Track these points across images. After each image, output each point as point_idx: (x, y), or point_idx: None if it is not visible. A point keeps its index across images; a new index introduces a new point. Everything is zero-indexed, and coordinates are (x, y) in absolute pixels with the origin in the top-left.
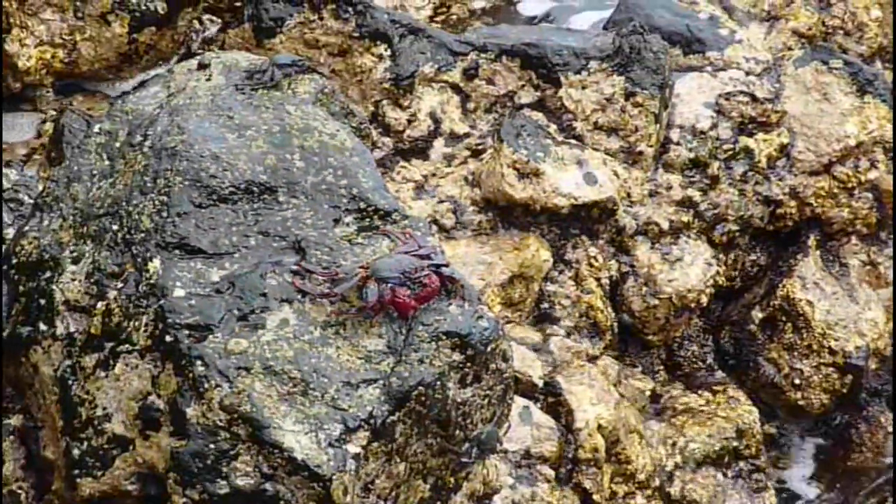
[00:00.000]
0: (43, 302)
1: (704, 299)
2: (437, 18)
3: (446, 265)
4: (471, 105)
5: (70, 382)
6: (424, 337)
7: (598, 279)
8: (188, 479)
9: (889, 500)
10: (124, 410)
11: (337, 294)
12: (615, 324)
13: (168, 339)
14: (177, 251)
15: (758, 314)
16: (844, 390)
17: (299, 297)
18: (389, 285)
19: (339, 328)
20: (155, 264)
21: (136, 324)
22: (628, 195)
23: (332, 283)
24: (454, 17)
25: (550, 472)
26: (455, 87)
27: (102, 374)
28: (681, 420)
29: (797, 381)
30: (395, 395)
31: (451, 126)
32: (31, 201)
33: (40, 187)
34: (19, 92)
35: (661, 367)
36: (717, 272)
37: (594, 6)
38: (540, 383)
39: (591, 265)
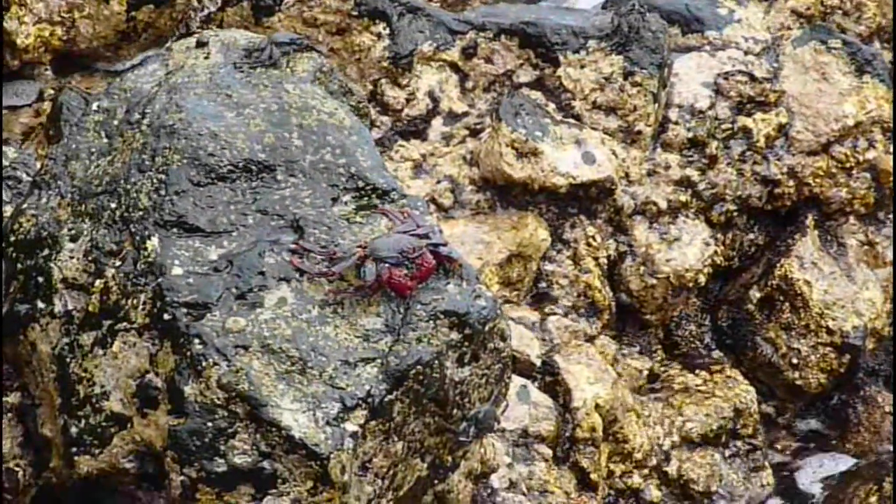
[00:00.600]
0: (41, 280)
1: (702, 279)
2: None
3: (444, 244)
4: (469, 84)
5: (68, 360)
6: (422, 316)
7: (596, 259)
8: (186, 457)
9: (885, 479)
10: (122, 388)
11: (335, 273)
12: (613, 303)
13: (166, 317)
14: (175, 229)
15: (755, 294)
16: (842, 370)
17: (297, 275)
18: (387, 265)
19: (337, 307)
20: (153, 242)
21: (134, 302)
22: (626, 175)
23: (330, 261)
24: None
25: (548, 451)
26: (453, 66)
27: (100, 351)
28: (678, 399)
29: (795, 361)
30: (392, 373)
31: (450, 105)
32: (30, 179)
33: (38, 165)
34: (18, 69)
35: (659, 347)
36: (715, 252)
37: None
38: (538, 362)
39: (589, 244)
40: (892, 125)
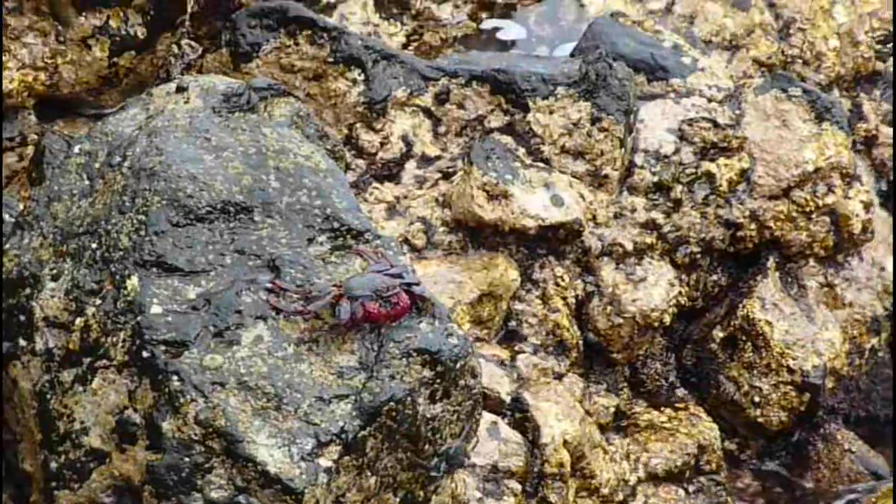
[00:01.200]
0: (23, 318)
1: (667, 318)
2: (410, 46)
3: (417, 283)
4: (442, 129)
5: (49, 397)
6: (395, 353)
7: (564, 298)
8: (163, 492)
9: None
10: (101, 424)
11: (311, 312)
12: (581, 342)
13: (145, 354)
14: (154, 269)
15: (718, 333)
16: (802, 408)
17: (273, 314)
18: (360, 302)
19: (312, 345)
20: (133, 282)
21: (114, 339)
22: (594, 217)
23: (305, 300)
24: (426, 45)
25: (517, 487)
26: (427, 112)
27: (80, 388)
28: (644, 436)
29: (756, 399)
30: (366, 410)
31: (423, 149)
32: (12, 220)
33: (21, 206)
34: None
35: (625, 385)
36: (680, 292)
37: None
38: (508, 399)
39: (557, 285)
40: (850, 169)
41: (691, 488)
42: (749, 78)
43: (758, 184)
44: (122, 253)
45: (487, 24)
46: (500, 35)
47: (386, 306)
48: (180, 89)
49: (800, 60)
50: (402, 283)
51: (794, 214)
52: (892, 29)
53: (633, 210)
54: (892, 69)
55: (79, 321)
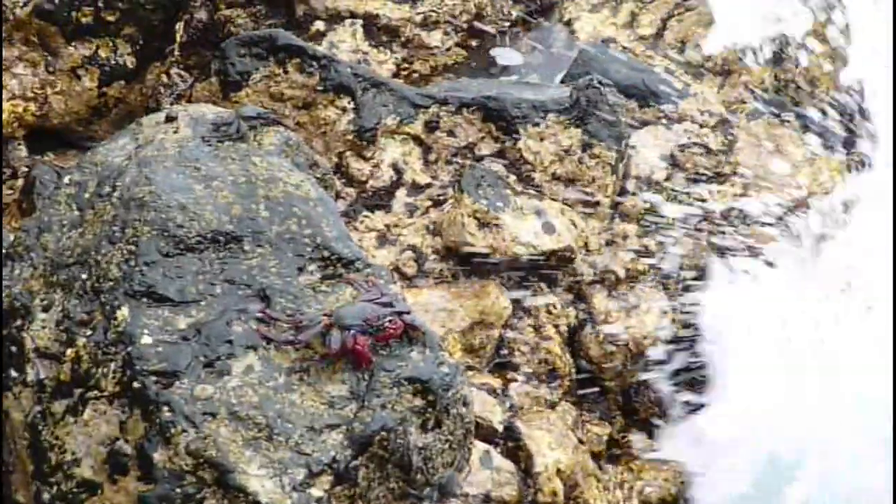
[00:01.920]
0: (14, 349)
1: (660, 346)
2: (400, 74)
3: (408, 312)
4: (432, 156)
5: (40, 428)
6: (386, 383)
7: (556, 326)
8: None
9: None
10: (93, 455)
11: (301, 341)
12: (573, 370)
13: (136, 385)
14: (144, 299)
15: None
16: None
17: (264, 343)
18: (352, 332)
19: (303, 374)
20: (123, 312)
21: (105, 370)
22: (586, 244)
23: (296, 330)
24: (416, 73)
25: None
26: (417, 139)
27: (72, 419)
28: (637, 464)
29: None
30: (357, 439)
31: (413, 177)
32: (2, 251)
33: (11, 237)
34: None
35: (619, 413)
36: (673, 319)
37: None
38: (500, 428)
39: (549, 312)
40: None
41: None
42: (741, 103)
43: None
44: (112, 283)
45: (478, 51)
46: (491, 62)
47: (375, 335)
48: (170, 119)
49: (793, 85)
50: (393, 311)
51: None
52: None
53: (626, 237)
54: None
55: (70, 352)
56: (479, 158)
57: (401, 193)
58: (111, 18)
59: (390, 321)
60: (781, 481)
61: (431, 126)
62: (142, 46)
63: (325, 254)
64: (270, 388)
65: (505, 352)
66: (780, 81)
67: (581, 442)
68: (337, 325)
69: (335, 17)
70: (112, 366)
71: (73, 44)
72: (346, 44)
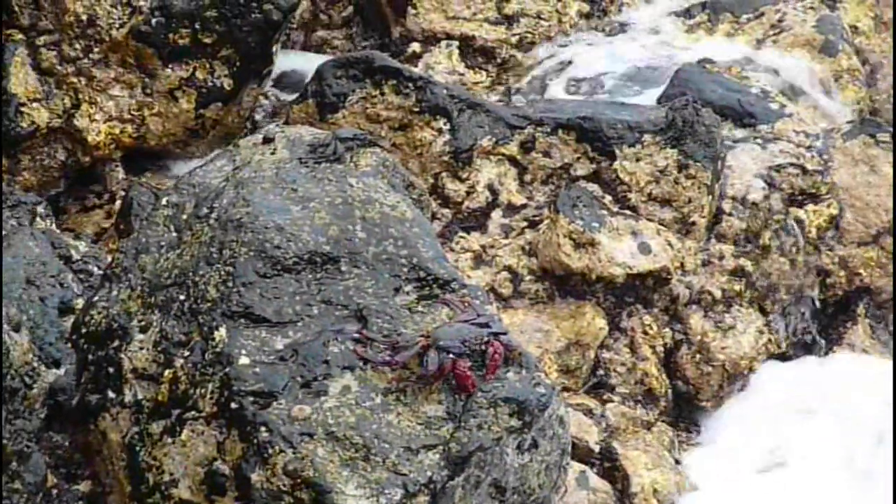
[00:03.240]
0: (111, 370)
1: (757, 366)
2: (496, 91)
3: (505, 333)
4: (528, 177)
5: (138, 449)
6: (483, 403)
7: (652, 347)
8: None
9: None
10: (190, 476)
11: (399, 362)
12: (669, 390)
13: (233, 405)
14: (242, 320)
15: None
16: None
17: (361, 364)
18: (451, 355)
19: (399, 395)
20: (221, 333)
21: (203, 391)
22: (682, 265)
23: (392, 350)
24: (512, 90)
25: None
26: (512, 160)
27: (169, 440)
28: None
29: None
30: (454, 459)
31: (509, 197)
32: (100, 272)
33: (109, 259)
34: (89, 166)
35: None
36: (769, 340)
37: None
38: (596, 449)
39: (645, 333)
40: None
41: None
42: (837, 124)
43: (847, 230)
44: (209, 304)
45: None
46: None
47: (475, 359)
48: (267, 140)
49: (888, 105)
50: (490, 332)
51: (884, 261)
52: None
53: (722, 257)
54: None
55: (167, 373)
56: (575, 179)
57: (496, 214)
58: (208, 40)
59: (488, 342)
60: None
61: (527, 147)
62: (238, 68)
63: (422, 274)
64: (367, 408)
65: (601, 372)
66: (875, 102)
67: (677, 462)
68: (434, 346)
69: (431, 39)
70: (210, 386)
71: (170, 66)
72: (441, 65)
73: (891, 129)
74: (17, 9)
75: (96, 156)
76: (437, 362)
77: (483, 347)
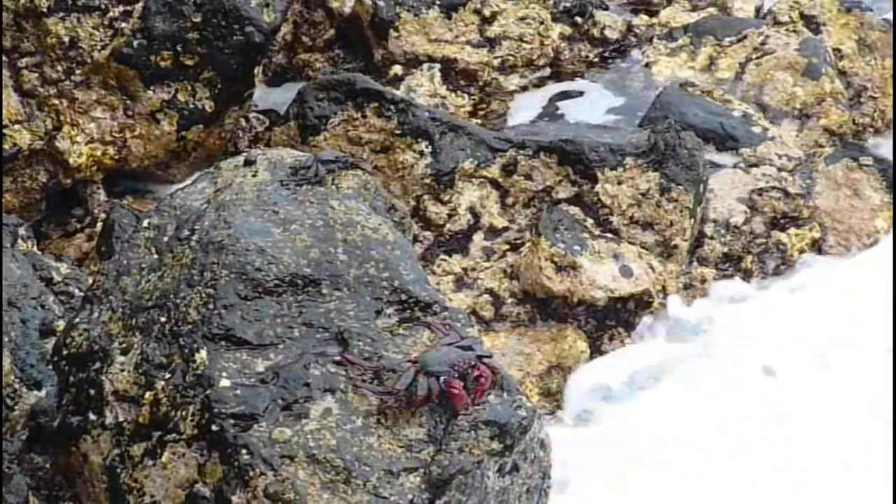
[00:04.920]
0: (92, 392)
1: None
2: (478, 114)
3: (490, 356)
4: (509, 200)
5: (119, 471)
6: (464, 426)
7: None
8: None
9: None
10: (171, 498)
11: (398, 391)
12: None
13: (214, 428)
14: (223, 342)
15: None
16: None
17: (342, 387)
18: (442, 379)
19: (380, 417)
20: (202, 355)
21: (183, 413)
22: (663, 288)
23: (375, 375)
24: (494, 113)
25: None
26: (494, 183)
27: (150, 462)
28: None
29: None
30: (434, 482)
31: (491, 220)
32: (82, 294)
33: (90, 281)
34: (70, 188)
35: None
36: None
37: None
38: None
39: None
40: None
41: None
42: (819, 147)
43: (829, 254)
44: (190, 326)
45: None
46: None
47: (464, 382)
48: (248, 163)
49: (871, 129)
50: (476, 355)
51: None
52: None
53: (703, 281)
54: None
55: (148, 395)
56: (557, 202)
57: (478, 237)
58: (190, 63)
59: (475, 366)
60: None
61: (509, 170)
62: (220, 90)
63: (403, 297)
64: (348, 430)
65: None
66: (858, 125)
67: None
68: (423, 372)
69: (413, 61)
70: (190, 409)
71: (151, 88)
72: (423, 88)
73: (873, 155)
74: None
75: (78, 178)
76: (426, 388)
77: (470, 371)
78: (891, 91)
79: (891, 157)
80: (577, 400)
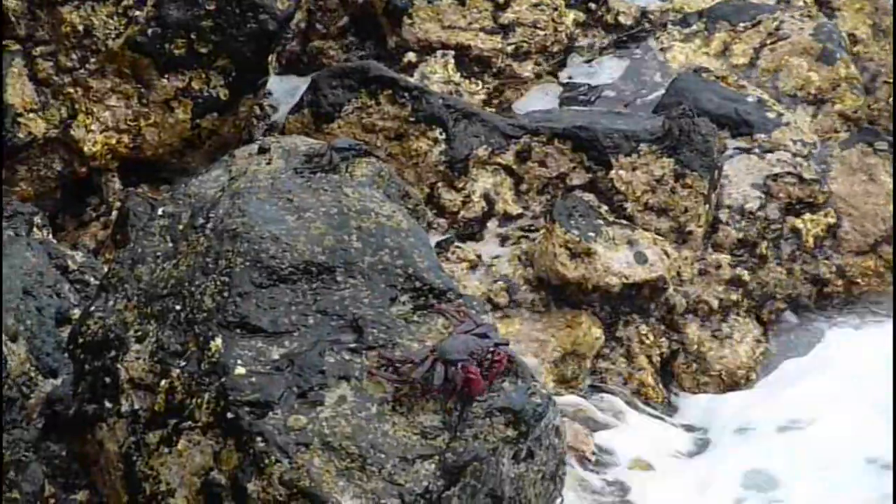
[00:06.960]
0: (108, 380)
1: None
2: (493, 103)
3: (506, 343)
4: (524, 187)
5: (134, 458)
6: (479, 413)
7: (648, 356)
8: None
9: None
10: (187, 486)
11: (416, 380)
12: (666, 400)
13: (229, 415)
14: (238, 330)
15: None
16: None
17: (356, 374)
18: (460, 366)
19: (395, 404)
20: (217, 343)
21: (199, 401)
22: (678, 274)
23: (388, 363)
24: (507, 101)
25: None
26: (508, 170)
27: (166, 450)
28: None
29: None
30: (450, 469)
31: (505, 207)
32: (97, 282)
33: (105, 269)
34: (85, 176)
35: None
36: (766, 349)
37: None
38: (593, 459)
39: (641, 343)
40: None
41: None
42: (834, 132)
43: (844, 239)
44: (205, 314)
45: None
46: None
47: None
48: (262, 150)
49: (886, 114)
50: (492, 342)
51: (882, 270)
52: None
53: (718, 266)
54: None
55: (164, 383)
56: (571, 188)
57: (492, 224)
58: (204, 50)
59: (493, 352)
60: None
61: (523, 156)
62: (234, 78)
63: (417, 284)
64: (363, 418)
65: (597, 382)
66: (874, 110)
67: None
68: (441, 360)
69: (427, 48)
70: (206, 396)
71: (166, 76)
72: (437, 75)
73: (889, 139)
74: (13, 19)
75: (93, 166)
76: (444, 376)
77: (488, 358)
78: None
79: None
80: None
